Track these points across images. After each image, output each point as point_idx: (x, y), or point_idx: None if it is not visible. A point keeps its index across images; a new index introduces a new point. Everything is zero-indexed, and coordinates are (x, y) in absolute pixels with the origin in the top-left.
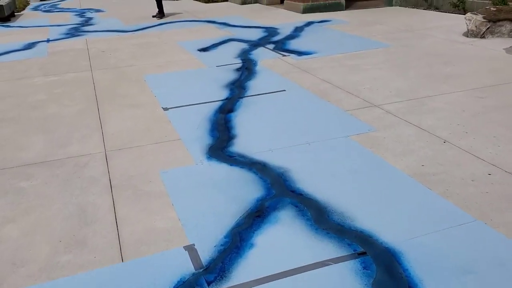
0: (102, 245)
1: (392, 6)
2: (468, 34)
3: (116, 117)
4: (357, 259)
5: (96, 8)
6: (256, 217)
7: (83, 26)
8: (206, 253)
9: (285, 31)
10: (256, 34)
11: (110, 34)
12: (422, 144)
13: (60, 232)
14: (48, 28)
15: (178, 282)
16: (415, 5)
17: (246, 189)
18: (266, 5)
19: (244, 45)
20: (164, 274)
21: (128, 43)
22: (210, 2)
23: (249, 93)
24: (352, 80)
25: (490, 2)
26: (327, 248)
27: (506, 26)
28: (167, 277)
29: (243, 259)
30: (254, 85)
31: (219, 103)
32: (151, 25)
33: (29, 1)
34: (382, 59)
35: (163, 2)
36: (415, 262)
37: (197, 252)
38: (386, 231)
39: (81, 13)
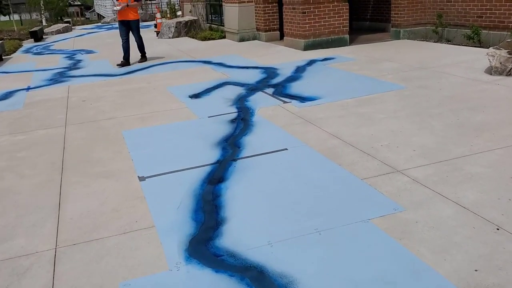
0: None
1: (399, 39)
2: (492, 71)
3: (80, 192)
4: None
5: (89, 48)
6: None
7: (70, 70)
8: None
9: (285, 71)
10: (254, 76)
11: (96, 79)
12: (468, 233)
13: None
14: (33, 74)
15: None
16: (425, 38)
17: None
18: (265, 41)
19: (241, 90)
20: None
21: (113, 89)
22: (208, 40)
23: (244, 153)
24: (365, 134)
25: (509, 34)
26: None
27: None
28: None
29: None
30: (251, 142)
31: (208, 169)
32: (141, 68)
33: (22, 43)
34: (398, 105)
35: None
36: None
37: None
38: None
39: (71, 55)
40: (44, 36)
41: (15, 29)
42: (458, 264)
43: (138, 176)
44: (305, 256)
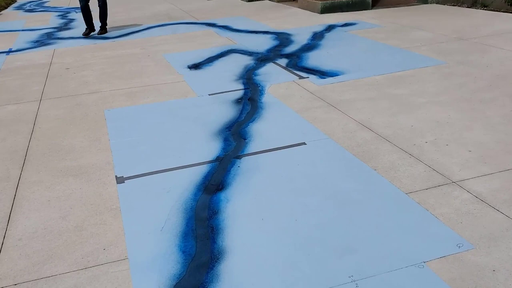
0: None
1: (427, 3)
2: None
3: (40, 197)
4: None
5: None
6: None
7: (60, 30)
8: None
9: (300, 38)
10: (264, 43)
11: (86, 42)
12: None
13: None
14: (18, 34)
15: None
16: (456, 2)
17: None
18: (277, 2)
19: (249, 60)
20: None
21: (102, 55)
22: None
23: (251, 147)
24: (404, 125)
25: None
26: None
27: None
28: None
29: None
30: (259, 132)
31: (204, 169)
32: (136, 30)
33: None
34: (439, 86)
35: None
36: None
37: None
38: None
39: (64, 13)
40: None
41: None
42: None
43: (115, 176)
44: None
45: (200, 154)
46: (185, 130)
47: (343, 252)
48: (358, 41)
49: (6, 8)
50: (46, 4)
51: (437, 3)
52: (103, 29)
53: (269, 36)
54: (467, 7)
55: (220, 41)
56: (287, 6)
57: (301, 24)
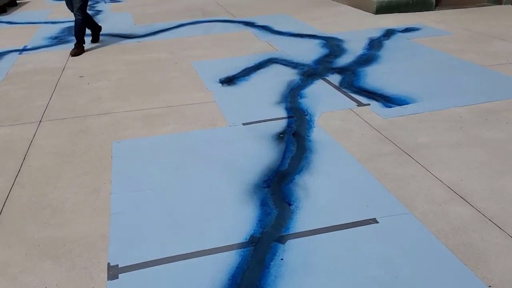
0: None
1: (501, 4)
2: None
3: None
4: None
5: None
6: None
7: None
8: None
9: (354, 46)
10: (311, 51)
11: (108, 41)
12: None
13: None
14: (39, 27)
15: None
16: None
17: None
18: None
19: (293, 73)
20: None
21: (124, 60)
22: None
23: (299, 222)
24: None
25: None
26: None
27: None
28: None
29: None
30: (309, 192)
31: (231, 260)
32: (166, 28)
33: None
34: None
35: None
36: None
37: None
38: None
39: (93, 3)
40: None
41: None
42: None
43: (108, 265)
44: None
45: (227, 229)
46: (209, 183)
47: None
48: (425, 54)
49: None
50: None
51: None
52: (79, 46)
53: (316, 41)
54: None
55: (259, 46)
56: (336, 3)
57: (353, 26)
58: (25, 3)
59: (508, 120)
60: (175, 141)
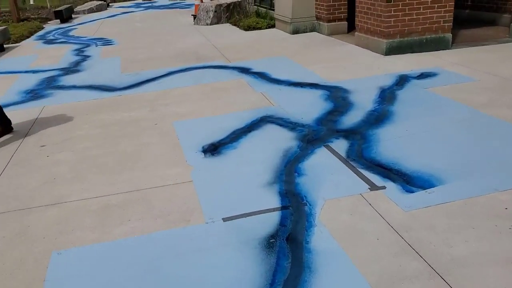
0: None
1: None
2: None
3: None
4: None
5: (109, 37)
6: None
7: (66, 74)
8: None
9: (362, 98)
10: (312, 105)
11: (87, 95)
12: None
13: None
14: (18, 77)
15: None
16: None
17: None
18: (328, 35)
19: (290, 138)
20: None
21: (97, 120)
22: (252, 29)
23: None
24: None
25: None
26: None
27: None
28: None
29: None
30: None
31: None
32: (154, 76)
33: (44, 25)
34: None
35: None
36: None
37: None
38: None
39: (84, 46)
40: (73, 16)
41: (48, 6)
42: None
43: None
44: None
45: None
46: None
47: None
48: (447, 109)
49: (28, 37)
50: (71, 33)
51: None
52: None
53: (318, 92)
54: None
55: (253, 99)
56: (341, 41)
57: (360, 72)
58: (14, 47)
59: None
60: (132, 251)
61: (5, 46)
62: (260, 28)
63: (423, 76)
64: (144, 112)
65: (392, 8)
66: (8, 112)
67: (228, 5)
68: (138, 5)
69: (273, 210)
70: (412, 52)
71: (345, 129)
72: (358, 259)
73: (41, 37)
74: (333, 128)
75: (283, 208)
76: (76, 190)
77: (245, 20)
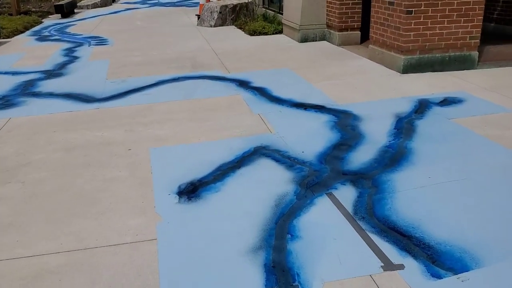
0: None
1: None
2: None
3: None
4: None
5: (105, 36)
6: None
7: (48, 77)
8: None
9: (375, 129)
10: (315, 135)
11: (62, 106)
12: None
13: None
14: None
15: None
16: None
17: None
18: (338, 45)
19: (286, 179)
20: None
21: (63, 141)
22: (258, 34)
23: None
24: None
25: None
26: None
27: None
28: None
29: None
30: None
31: None
32: (141, 86)
33: (43, 20)
34: None
35: None
36: None
37: None
38: None
39: (75, 46)
40: (76, 10)
41: None
42: None
43: None
44: None
45: None
46: None
47: None
48: (479, 148)
49: (22, 33)
50: (68, 29)
51: None
52: None
53: (324, 118)
54: None
55: (248, 122)
56: (352, 53)
57: (373, 92)
58: (5, 43)
59: None
60: None
61: None
62: (266, 34)
63: (446, 102)
64: (119, 133)
65: (413, 21)
66: None
67: (234, 6)
68: (144, 1)
69: None
70: (433, 71)
71: (353, 171)
72: None
73: (35, 33)
74: (338, 168)
75: None
76: (8, 244)
77: (251, 23)
